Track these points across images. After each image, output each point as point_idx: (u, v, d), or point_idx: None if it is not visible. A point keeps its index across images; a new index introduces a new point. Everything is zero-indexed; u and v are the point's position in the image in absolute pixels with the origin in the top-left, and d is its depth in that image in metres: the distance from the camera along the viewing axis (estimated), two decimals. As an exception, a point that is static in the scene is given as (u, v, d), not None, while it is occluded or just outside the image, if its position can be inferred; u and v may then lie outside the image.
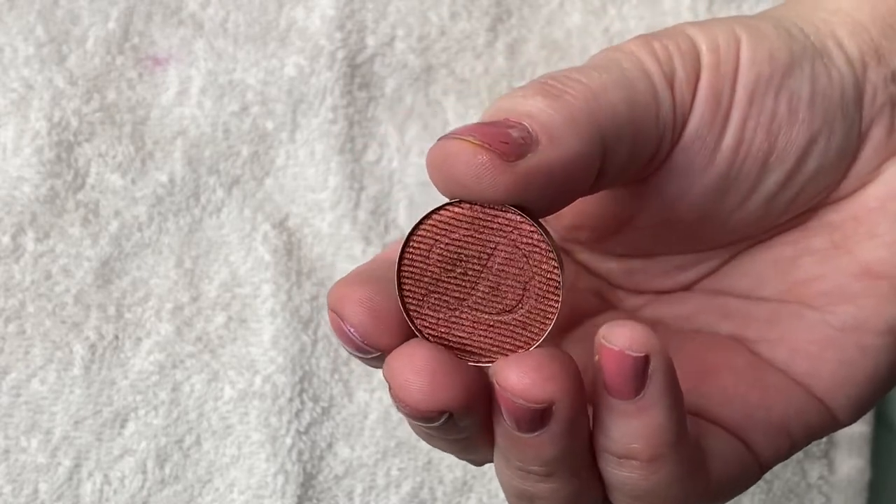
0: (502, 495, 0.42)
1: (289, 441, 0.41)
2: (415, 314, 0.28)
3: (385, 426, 0.42)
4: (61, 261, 0.43)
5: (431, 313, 0.27)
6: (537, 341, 0.27)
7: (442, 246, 0.27)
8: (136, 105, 0.45)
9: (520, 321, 0.27)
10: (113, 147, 0.44)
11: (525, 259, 0.27)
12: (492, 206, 0.27)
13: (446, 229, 0.27)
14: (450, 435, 0.28)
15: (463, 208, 0.27)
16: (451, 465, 0.42)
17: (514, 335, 0.27)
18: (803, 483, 0.43)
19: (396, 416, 0.43)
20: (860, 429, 0.44)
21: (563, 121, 0.27)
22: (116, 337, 0.43)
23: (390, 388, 0.27)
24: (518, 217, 0.27)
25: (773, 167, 0.30)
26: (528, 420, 0.26)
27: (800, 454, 0.43)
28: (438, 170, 0.26)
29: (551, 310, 0.27)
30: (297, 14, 0.46)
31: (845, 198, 0.32)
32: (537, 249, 0.27)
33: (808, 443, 0.31)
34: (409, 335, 0.28)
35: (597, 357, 0.26)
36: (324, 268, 0.44)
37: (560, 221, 0.33)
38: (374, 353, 0.28)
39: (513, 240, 0.27)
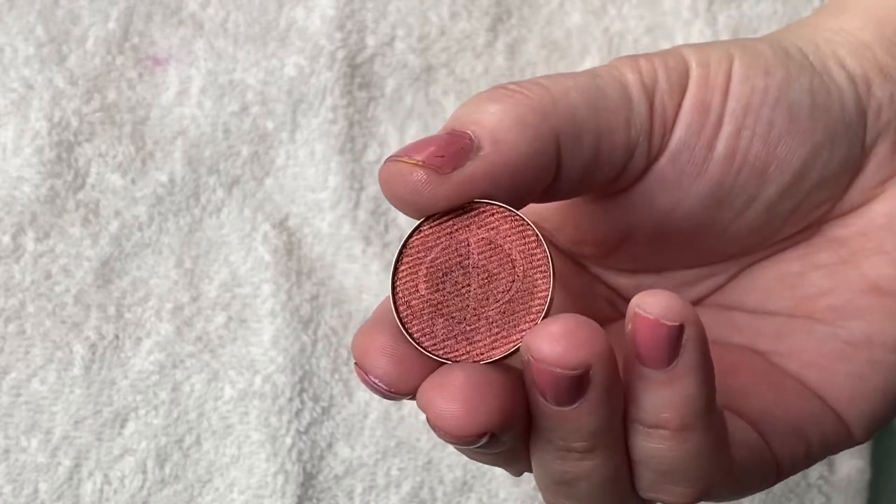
0: (502, 495, 0.42)
1: (289, 441, 0.41)
2: (433, 348, 0.28)
3: (385, 426, 0.42)
4: (61, 261, 0.43)
5: (447, 338, 0.28)
6: (548, 296, 0.27)
7: (423, 272, 0.28)
8: (137, 105, 0.45)
9: (525, 289, 0.27)
10: (113, 147, 0.44)
11: (497, 235, 0.28)
12: (450, 211, 0.28)
13: (422, 255, 0.28)
14: (492, 450, 0.28)
15: (424, 230, 0.28)
16: (451, 465, 0.42)
17: (528, 304, 0.27)
18: (803, 483, 0.43)
19: (396, 415, 0.43)
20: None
21: (511, 123, 0.27)
22: (116, 337, 0.43)
23: (427, 419, 0.27)
24: (474, 204, 0.28)
25: (773, 177, 0.30)
26: (567, 389, 0.26)
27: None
28: (385, 190, 0.27)
29: (543, 261, 0.27)
30: (297, 14, 0.46)
31: (850, 213, 0.32)
32: (505, 222, 0.28)
33: (824, 454, 0.32)
34: (434, 368, 0.28)
35: (629, 327, 0.26)
36: (324, 268, 0.44)
37: (562, 237, 0.33)
38: (404, 398, 0.28)
39: (480, 226, 0.28)
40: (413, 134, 0.45)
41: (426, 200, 0.27)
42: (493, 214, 0.28)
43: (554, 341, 0.26)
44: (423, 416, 0.43)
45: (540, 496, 0.41)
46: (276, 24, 0.46)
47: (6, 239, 0.43)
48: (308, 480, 0.42)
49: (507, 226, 0.28)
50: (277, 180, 0.45)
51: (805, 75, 0.30)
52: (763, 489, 0.32)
